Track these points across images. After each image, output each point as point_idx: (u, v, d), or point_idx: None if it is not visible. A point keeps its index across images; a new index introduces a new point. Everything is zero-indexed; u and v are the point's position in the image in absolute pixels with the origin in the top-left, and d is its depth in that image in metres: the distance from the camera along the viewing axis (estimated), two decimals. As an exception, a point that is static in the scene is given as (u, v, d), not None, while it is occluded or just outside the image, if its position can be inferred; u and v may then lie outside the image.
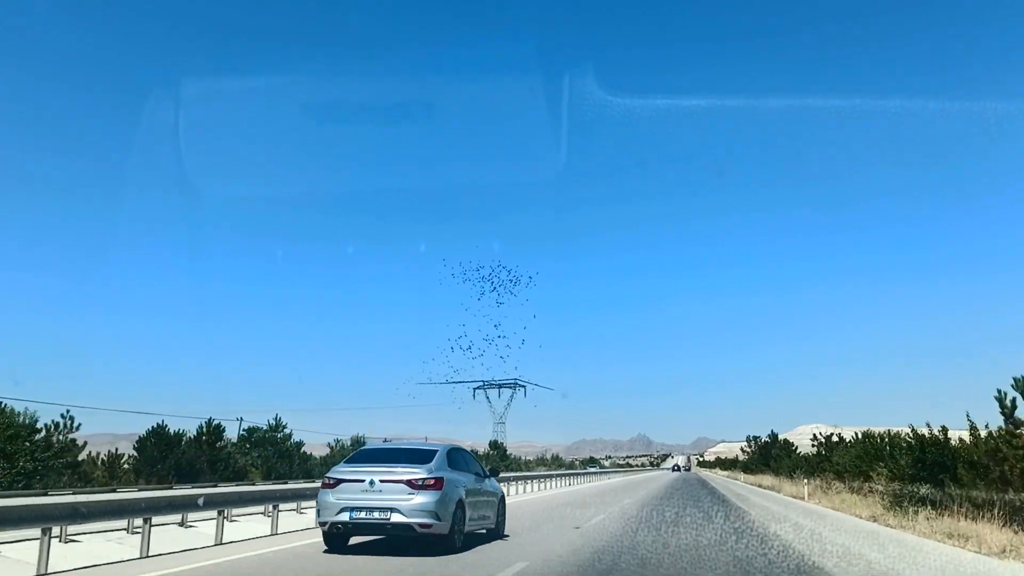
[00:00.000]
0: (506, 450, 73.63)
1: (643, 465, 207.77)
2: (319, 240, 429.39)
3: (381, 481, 10.98)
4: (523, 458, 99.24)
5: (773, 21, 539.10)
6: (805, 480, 33.66)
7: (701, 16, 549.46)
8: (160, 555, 11.27)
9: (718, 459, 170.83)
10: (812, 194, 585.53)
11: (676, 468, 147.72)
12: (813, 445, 40.82)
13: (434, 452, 11.94)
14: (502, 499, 14.12)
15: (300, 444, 35.25)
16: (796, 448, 51.43)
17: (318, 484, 13.09)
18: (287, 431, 34.08)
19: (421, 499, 10.86)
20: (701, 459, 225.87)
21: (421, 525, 10.81)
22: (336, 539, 11.41)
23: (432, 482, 11.02)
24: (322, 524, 11.24)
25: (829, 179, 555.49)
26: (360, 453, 13.03)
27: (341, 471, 11.54)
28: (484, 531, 13.15)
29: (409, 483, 10.93)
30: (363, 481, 11.01)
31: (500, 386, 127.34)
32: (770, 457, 55.40)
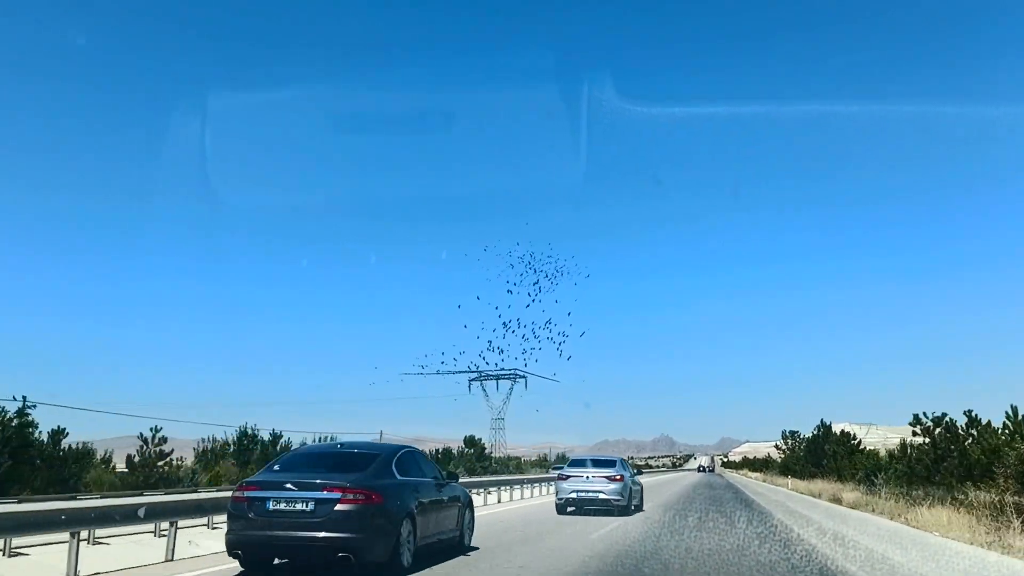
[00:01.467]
0: (484, 448, 59.96)
1: (664, 466, 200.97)
2: (342, 248, 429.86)
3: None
4: (523, 458, 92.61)
5: (792, 24, 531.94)
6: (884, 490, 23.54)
7: (717, 22, 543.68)
8: (185, 559, 11.33)
9: (745, 459, 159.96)
10: (836, 191, 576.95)
11: (702, 469, 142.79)
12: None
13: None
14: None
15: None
16: (859, 442, 40.67)
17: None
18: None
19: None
20: (725, 460, 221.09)
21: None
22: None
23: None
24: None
25: (853, 176, 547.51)
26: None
27: (571, 469, 13.15)
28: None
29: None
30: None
31: (498, 377, 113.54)
32: (822, 454, 42.92)
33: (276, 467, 10.14)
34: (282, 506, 8.98)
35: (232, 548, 9.23)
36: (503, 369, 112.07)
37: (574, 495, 20.61)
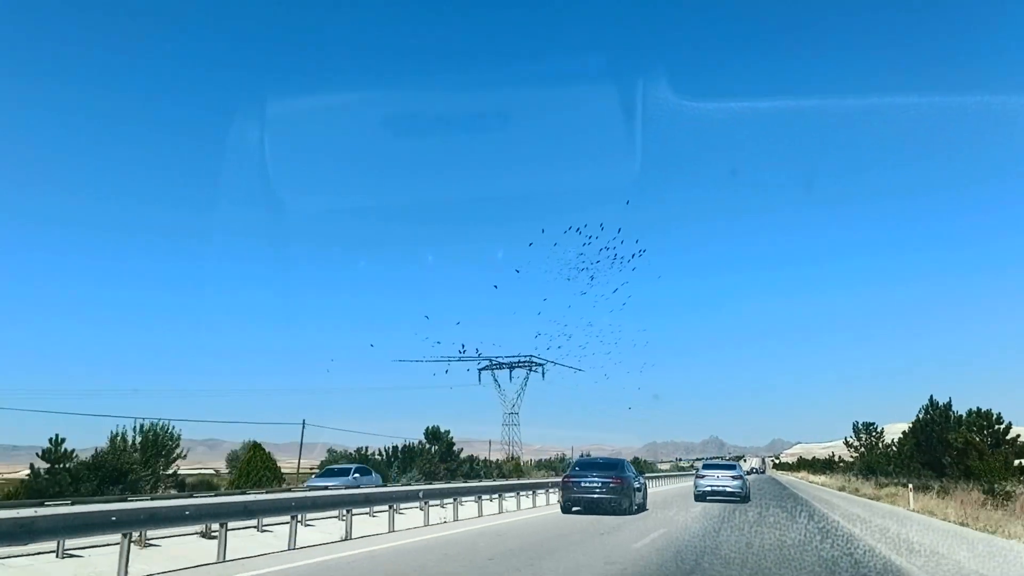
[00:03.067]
0: (452, 444, 43.17)
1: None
2: (399, 249, 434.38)
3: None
4: (536, 458, 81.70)
5: (851, 13, 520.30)
6: None
7: (773, 15, 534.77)
8: (238, 559, 11.58)
9: (802, 460, 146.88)
10: (890, 189, 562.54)
11: (752, 471, 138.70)
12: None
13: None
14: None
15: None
16: (1007, 427, 29.52)
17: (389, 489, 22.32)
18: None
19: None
20: (777, 461, 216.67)
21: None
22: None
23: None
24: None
25: (913, 174, 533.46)
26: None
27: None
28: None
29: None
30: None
31: (511, 366, 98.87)
32: (941, 448, 29.86)
33: (577, 468, 24.15)
34: (585, 484, 22.46)
35: (564, 504, 22.86)
36: (517, 356, 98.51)
37: (709, 488, 30.10)
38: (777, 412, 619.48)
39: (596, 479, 22.27)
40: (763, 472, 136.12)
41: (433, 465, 38.76)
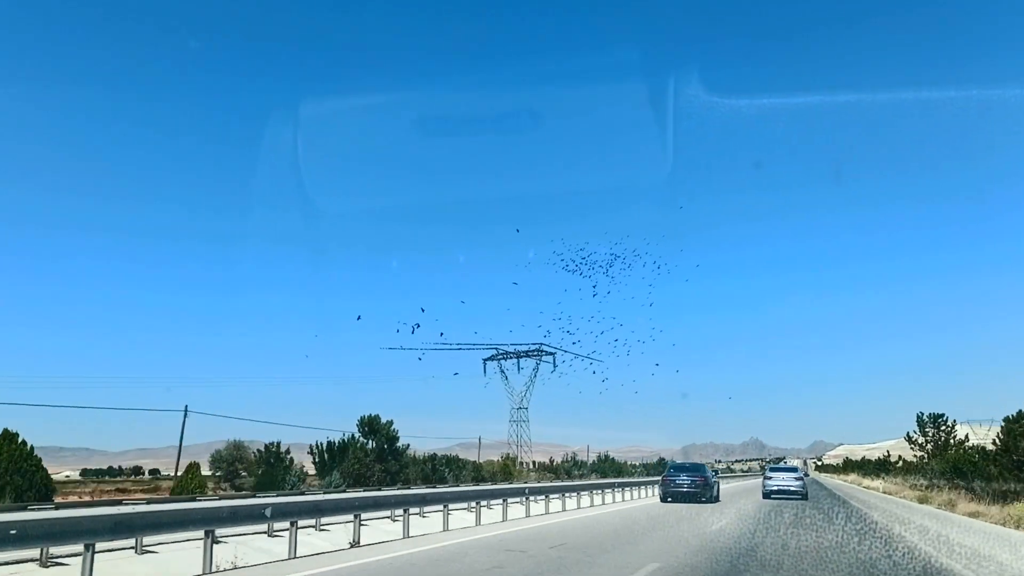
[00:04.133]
0: (394, 439, 34.57)
1: (749, 470, 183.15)
2: (431, 250, 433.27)
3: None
4: (557, 459, 66.13)
5: (882, 8, 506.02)
6: None
7: (805, 10, 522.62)
8: (306, 556, 11.89)
9: (848, 462, 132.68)
10: (931, 187, 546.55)
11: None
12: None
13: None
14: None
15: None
16: None
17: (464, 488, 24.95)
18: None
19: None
20: (820, 463, 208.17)
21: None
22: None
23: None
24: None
25: (951, 170, 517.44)
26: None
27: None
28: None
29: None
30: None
31: (519, 355, 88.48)
32: None
33: (671, 470, 32.29)
34: (678, 481, 30.30)
35: (662, 496, 30.94)
36: (525, 345, 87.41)
37: (776, 487, 34.66)
38: (819, 414, 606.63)
39: (686, 478, 30.66)
40: (805, 475, 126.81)
41: (364, 466, 31.06)
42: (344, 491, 22.28)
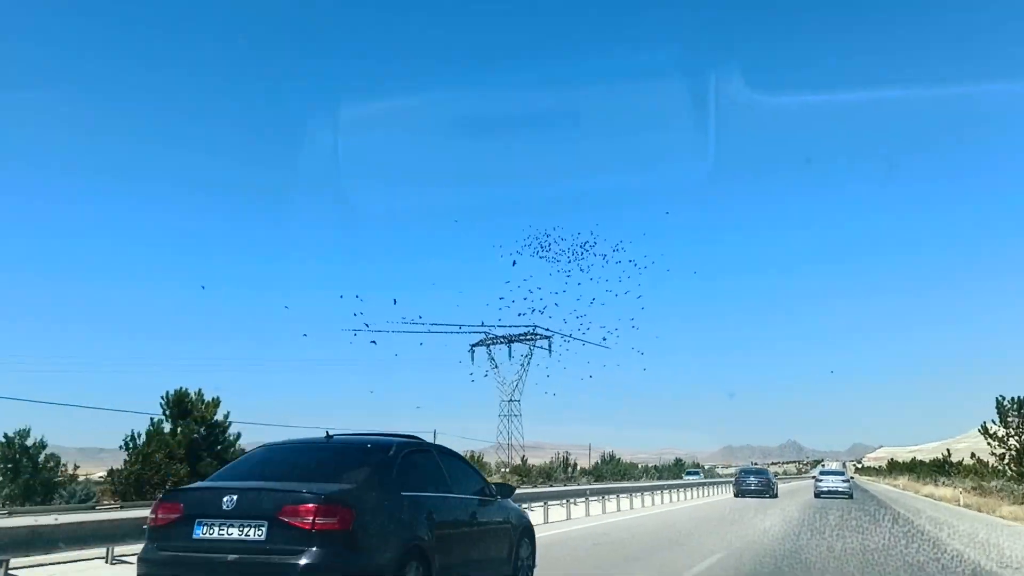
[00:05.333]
0: (216, 425, 24.02)
1: (786, 473, 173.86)
2: (470, 251, 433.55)
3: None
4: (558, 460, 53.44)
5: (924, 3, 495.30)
6: None
7: (847, 5, 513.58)
8: None
9: (893, 463, 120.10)
10: (979, 182, 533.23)
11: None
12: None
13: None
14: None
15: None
16: None
17: None
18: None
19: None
20: (860, 466, 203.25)
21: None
22: None
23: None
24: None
25: (1004, 165, 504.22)
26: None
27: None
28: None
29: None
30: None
31: (510, 340, 76.01)
32: None
33: (742, 473, 41.89)
34: (747, 481, 39.83)
35: (736, 493, 39.92)
36: (520, 328, 74.76)
37: (826, 489, 38.36)
38: (858, 416, 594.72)
39: (754, 479, 39.29)
40: (851, 479, 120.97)
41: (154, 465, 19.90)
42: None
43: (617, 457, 63.95)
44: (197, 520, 5.80)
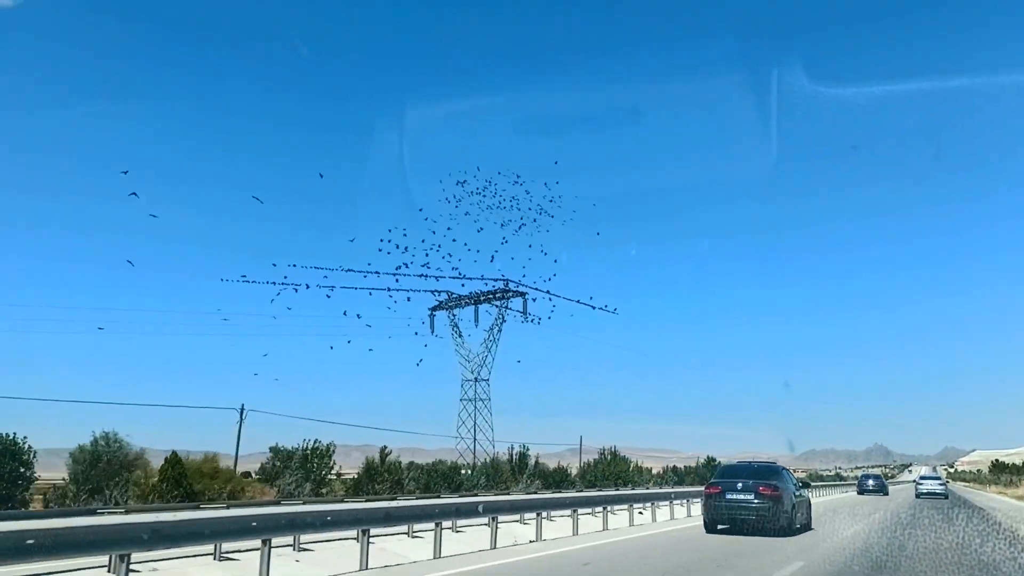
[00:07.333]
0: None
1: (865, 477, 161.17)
2: (533, 251, 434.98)
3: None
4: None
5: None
6: None
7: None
8: (452, 555, 13.24)
9: (998, 464, 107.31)
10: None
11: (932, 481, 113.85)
12: None
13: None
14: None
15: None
16: None
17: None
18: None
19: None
20: (952, 470, 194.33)
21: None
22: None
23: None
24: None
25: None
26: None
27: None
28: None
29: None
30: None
31: (478, 300, 61.15)
32: None
33: (863, 477, 61.50)
34: (869, 481, 57.57)
35: (859, 491, 56.09)
36: (488, 282, 59.43)
37: (926, 490, 45.51)
38: (949, 417, 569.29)
39: (871, 481, 51.62)
40: (946, 483, 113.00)
41: None
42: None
43: (623, 456, 47.47)
44: (727, 492, 17.73)
